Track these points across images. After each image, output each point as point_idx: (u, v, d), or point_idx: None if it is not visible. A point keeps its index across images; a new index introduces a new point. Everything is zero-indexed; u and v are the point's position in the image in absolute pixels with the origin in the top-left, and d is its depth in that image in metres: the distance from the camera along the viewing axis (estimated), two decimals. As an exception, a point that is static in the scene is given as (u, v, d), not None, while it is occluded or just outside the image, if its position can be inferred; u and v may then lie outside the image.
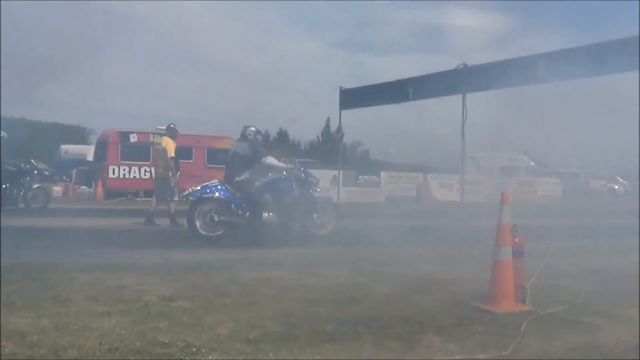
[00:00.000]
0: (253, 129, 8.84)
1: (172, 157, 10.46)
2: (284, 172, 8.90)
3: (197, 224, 8.40)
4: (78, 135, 30.17)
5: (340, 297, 4.68)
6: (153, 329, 3.54)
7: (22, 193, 12.41)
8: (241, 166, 8.62)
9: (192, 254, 6.86)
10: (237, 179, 8.53)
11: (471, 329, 3.84)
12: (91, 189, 18.80)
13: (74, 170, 19.99)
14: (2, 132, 12.26)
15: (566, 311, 4.35)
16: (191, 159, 18.66)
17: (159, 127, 18.02)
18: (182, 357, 3.10)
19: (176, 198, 10.52)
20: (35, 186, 12.71)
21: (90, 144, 25.77)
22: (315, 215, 9.13)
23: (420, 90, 14.06)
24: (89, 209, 13.91)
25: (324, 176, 17.65)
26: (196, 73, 74.43)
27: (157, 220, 10.36)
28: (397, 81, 14.73)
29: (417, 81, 14.21)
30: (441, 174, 24.54)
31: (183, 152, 11.85)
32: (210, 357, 3.11)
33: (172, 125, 10.82)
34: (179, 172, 10.99)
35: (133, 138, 18.76)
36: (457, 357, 3.29)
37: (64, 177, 18.73)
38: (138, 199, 18.10)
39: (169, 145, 10.49)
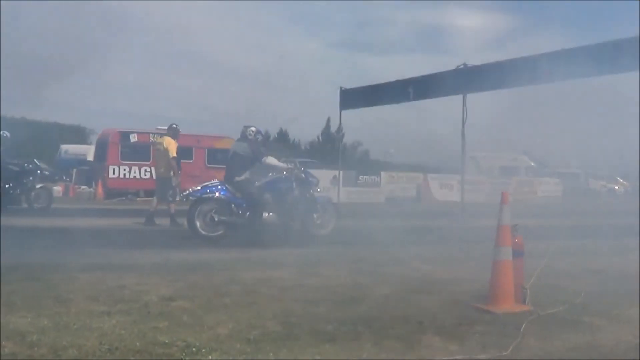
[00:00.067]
0: (253, 129, 8.84)
1: (173, 157, 10.47)
2: (284, 172, 8.91)
3: (197, 224, 8.40)
4: (78, 135, 30.14)
5: (341, 297, 4.68)
6: (153, 329, 3.55)
7: (25, 193, 12.41)
8: (241, 166, 8.62)
9: (192, 254, 6.86)
10: (237, 179, 8.54)
11: (471, 329, 3.84)
12: (91, 189, 18.79)
13: (74, 170, 19.98)
14: (4, 131, 12.28)
15: (566, 311, 4.35)
16: (191, 159, 18.65)
17: (159, 127, 18.02)
18: (182, 357, 3.10)
19: (177, 198, 10.53)
20: (38, 186, 12.71)
21: (90, 143, 25.74)
22: (315, 215, 9.14)
23: (420, 90, 14.06)
24: (89, 209, 13.91)
25: (324, 176, 17.64)
26: (196, 73, 74.43)
27: (157, 220, 10.36)
28: (398, 81, 14.73)
29: (417, 81, 14.20)
30: (441, 174, 24.55)
31: (183, 152, 11.84)
32: (210, 357, 3.11)
33: (174, 125, 10.82)
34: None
35: (133, 138, 18.76)
36: (457, 357, 3.29)
37: (64, 177, 18.70)
38: (138, 199, 18.10)
39: (171, 145, 10.49)
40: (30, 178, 12.52)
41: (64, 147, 23.90)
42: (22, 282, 4.71)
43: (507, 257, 4.41)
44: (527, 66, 11.45)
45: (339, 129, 22.21)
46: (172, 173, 10.50)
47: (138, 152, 18.53)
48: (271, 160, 8.82)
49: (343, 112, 16.76)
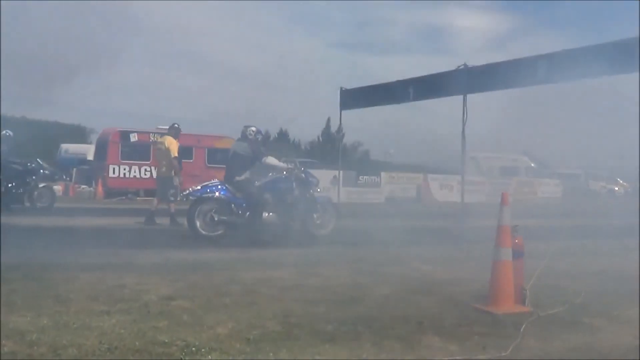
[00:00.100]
0: (253, 128, 8.84)
1: (175, 157, 10.47)
2: (284, 172, 8.91)
3: (197, 223, 8.40)
4: (78, 134, 30.15)
5: (340, 297, 4.68)
6: (153, 328, 3.55)
7: (28, 192, 12.41)
8: (241, 166, 8.62)
9: (192, 254, 6.86)
10: (237, 178, 8.54)
11: (471, 330, 3.84)
12: (91, 188, 18.79)
13: (74, 169, 19.98)
14: (7, 130, 12.29)
15: (566, 312, 4.35)
16: (191, 158, 18.65)
17: (160, 127, 18.02)
18: (181, 357, 3.10)
19: (178, 198, 10.53)
20: (41, 185, 12.71)
21: (90, 143, 25.76)
22: (315, 215, 9.13)
23: (421, 90, 14.05)
24: (89, 208, 13.91)
25: (324, 176, 17.64)
26: (196, 73, 74.47)
27: (157, 219, 10.36)
28: (398, 81, 14.72)
29: (417, 81, 14.20)
30: (441, 174, 24.55)
31: (183, 152, 11.83)
32: (209, 357, 3.11)
33: (175, 125, 10.81)
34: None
35: (133, 137, 18.76)
36: (457, 357, 3.29)
37: (64, 176, 18.70)
38: (138, 198, 18.10)
39: (172, 145, 10.48)
40: (33, 177, 12.52)
41: (64, 146, 23.91)
42: (22, 281, 4.72)
43: (507, 257, 4.41)
44: (528, 67, 11.45)
45: (339, 129, 22.19)
46: (173, 173, 10.51)
47: (138, 151, 18.53)
48: (271, 160, 8.82)
49: (343, 112, 16.77)
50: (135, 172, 18.61)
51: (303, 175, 8.99)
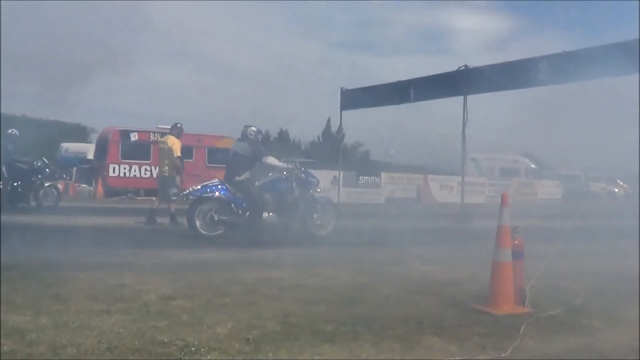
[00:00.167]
0: (254, 128, 8.85)
1: (178, 157, 10.47)
2: (285, 172, 8.91)
3: (197, 223, 8.40)
4: (79, 133, 30.14)
5: (340, 297, 4.68)
6: (152, 328, 3.54)
7: (33, 191, 12.42)
8: (242, 166, 8.63)
9: (192, 254, 6.86)
10: (237, 178, 8.54)
11: (471, 330, 3.84)
12: (91, 188, 18.80)
13: (75, 168, 19.97)
14: (13, 130, 12.30)
15: (566, 313, 4.35)
16: (192, 158, 18.66)
17: (160, 126, 18.05)
18: (180, 357, 3.09)
19: (179, 197, 10.54)
20: (46, 184, 12.72)
21: (90, 142, 25.75)
22: (315, 216, 9.13)
23: (421, 91, 14.08)
24: (89, 208, 13.92)
25: (324, 177, 17.65)
26: (196, 73, 74.44)
27: (157, 219, 10.36)
28: (398, 82, 14.75)
29: (418, 82, 14.22)
30: (441, 175, 24.57)
31: (184, 151, 11.84)
32: (209, 357, 3.11)
33: (178, 125, 10.81)
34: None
35: (133, 137, 18.77)
36: (457, 358, 3.29)
37: (64, 175, 18.70)
38: (138, 197, 18.11)
39: (175, 145, 10.48)
40: (39, 176, 12.53)
41: (65, 145, 23.89)
42: (22, 280, 4.71)
43: (507, 258, 4.41)
44: (528, 68, 11.47)
45: (340, 129, 22.21)
46: (175, 172, 10.51)
47: (138, 151, 18.54)
48: (271, 160, 8.83)
49: (344, 112, 16.79)
50: (135, 171, 18.61)
51: (303, 175, 8.99)
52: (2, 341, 3.16)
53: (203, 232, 8.39)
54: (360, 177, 22.58)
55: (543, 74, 11.14)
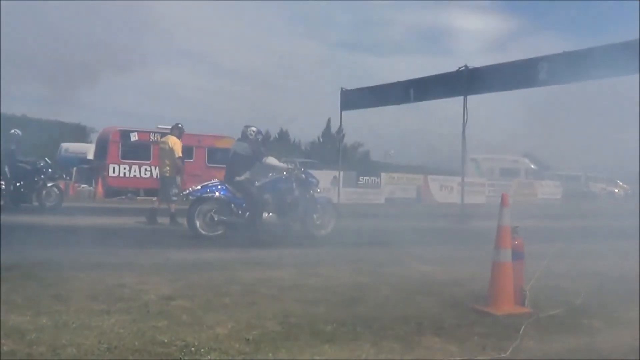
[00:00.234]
0: (254, 128, 8.85)
1: (179, 157, 10.48)
2: (285, 173, 8.91)
3: (197, 223, 8.40)
4: (79, 133, 30.15)
5: (340, 297, 4.68)
6: (152, 328, 3.54)
7: (36, 191, 12.42)
8: (242, 166, 8.63)
9: (192, 254, 6.86)
10: (237, 178, 8.54)
11: (471, 331, 3.84)
12: (91, 188, 18.79)
13: (75, 168, 19.97)
14: (15, 130, 12.30)
15: (566, 313, 4.35)
16: (192, 158, 18.67)
17: (160, 126, 18.04)
18: (180, 357, 3.09)
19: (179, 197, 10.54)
20: (49, 184, 12.72)
21: (90, 142, 25.75)
22: (315, 216, 9.14)
23: (421, 91, 14.09)
24: (89, 208, 13.91)
25: (324, 177, 17.66)
26: (197, 73, 74.46)
27: (157, 219, 10.36)
28: (399, 82, 14.75)
29: (418, 83, 14.24)
30: (441, 175, 24.58)
31: (184, 152, 11.85)
32: (209, 357, 3.11)
33: (179, 125, 10.82)
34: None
35: (134, 137, 18.76)
36: (457, 358, 3.29)
37: (64, 175, 18.70)
38: (138, 197, 18.11)
39: (176, 145, 10.49)
40: (42, 176, 12.53)
41: (65, 145, 23.89)
42: (22, 280, 4.71)
43: (507, 258, 4.41)
44: (528, 68, 11.48)
45: (340, 129, 22.20)
46: (176, 172, 10.52)
47: (138, 151, 18.54)
48: (271, 160, 8.83)
49: (344, 112, 16.80)
50: (135, 171, 18.61)
51: (303, 175, 8.99)
52: (2, 341, 3.16)
53: (203, 232, 8.39)
54: (360, 178, 22.58)
55: (543, 74, 11.15)
